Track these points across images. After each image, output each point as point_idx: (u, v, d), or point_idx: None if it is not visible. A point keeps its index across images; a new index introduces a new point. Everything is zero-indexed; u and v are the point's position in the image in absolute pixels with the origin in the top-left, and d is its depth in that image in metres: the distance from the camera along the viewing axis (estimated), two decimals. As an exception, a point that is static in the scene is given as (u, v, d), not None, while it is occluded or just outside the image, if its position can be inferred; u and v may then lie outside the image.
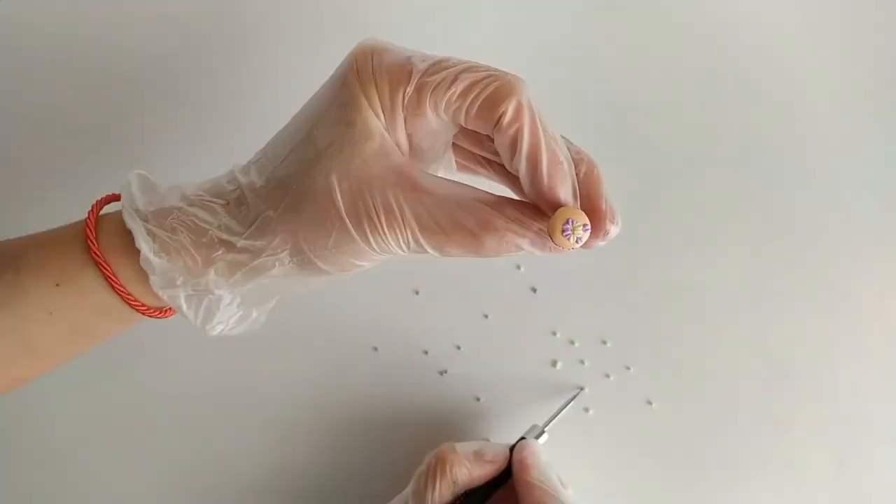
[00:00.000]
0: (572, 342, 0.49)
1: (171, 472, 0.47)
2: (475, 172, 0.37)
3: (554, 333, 0.49)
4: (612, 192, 0.33)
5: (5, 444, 0.47)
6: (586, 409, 0.49)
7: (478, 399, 0.49)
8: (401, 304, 0.48)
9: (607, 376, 0.49)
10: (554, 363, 0.49)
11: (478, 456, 0.43)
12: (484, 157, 0.37)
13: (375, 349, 0.48)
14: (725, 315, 0.50)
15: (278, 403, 0.48)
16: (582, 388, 0.48)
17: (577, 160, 0.33)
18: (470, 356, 0.49)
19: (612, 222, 0.32)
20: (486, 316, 0.49)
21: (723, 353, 0.49)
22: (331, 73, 0.34)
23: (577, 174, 0.32)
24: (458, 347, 0.49)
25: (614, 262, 0.49)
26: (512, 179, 0.35)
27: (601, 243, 0.32)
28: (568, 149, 0.33)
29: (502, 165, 0.35)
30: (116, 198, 0.37)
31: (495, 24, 0.52)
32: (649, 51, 0.52)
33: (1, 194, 0.49)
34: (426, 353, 0.49)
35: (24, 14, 0.50)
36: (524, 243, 0.32)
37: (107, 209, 0.36)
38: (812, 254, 0.50)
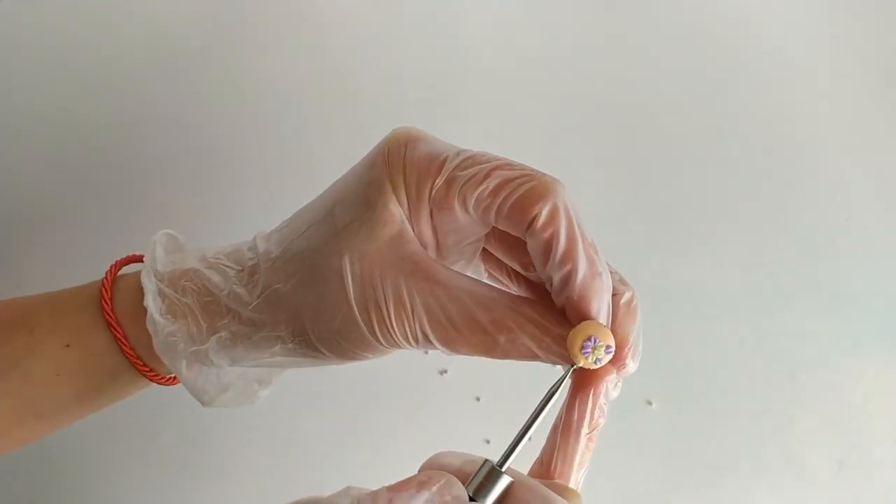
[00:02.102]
0: (572, 342, 0.49)
1: (169, 473, 0.47)
2: (503, 285, 0.35)
3: (554, 333, 0.49)
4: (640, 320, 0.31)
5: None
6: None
7: (478, 399, 0.48)
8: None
9: (607, 376, 0.49)
10: (554, 363, 0.49)
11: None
12: (513, 271, 0.35)
13: (375, 349, 0.48)
14: (725, 315, 0.49)
15: (277, 403, 0.48)
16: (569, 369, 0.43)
17: (618, 286, 0.31)
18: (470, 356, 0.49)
19: (633, 359, 0.30)
20: (486, 316, 0.49)
21: (723, 353, 0.49)
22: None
23: (615, 296, 0.30)
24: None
25: (614, 263, 0.49)
26: (541, 295, 0.33)
27: (611, 378, 0.30)
28: (612, 271, 0.31)
29: (531, 282, 0.34)
30: (138, 258, 0.36)
31: (496, 24, 0.52)
32: (650, 52, 0.52)
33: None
34: (426, 352, 0.49)
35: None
36: (541, 350, 0.30)
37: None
38: (812, 254, 0.50)
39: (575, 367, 0.29)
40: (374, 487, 0.28)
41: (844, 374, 0.49)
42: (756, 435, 0.48)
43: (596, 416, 0.31)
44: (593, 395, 0.30)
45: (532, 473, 0.31)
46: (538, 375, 0.49)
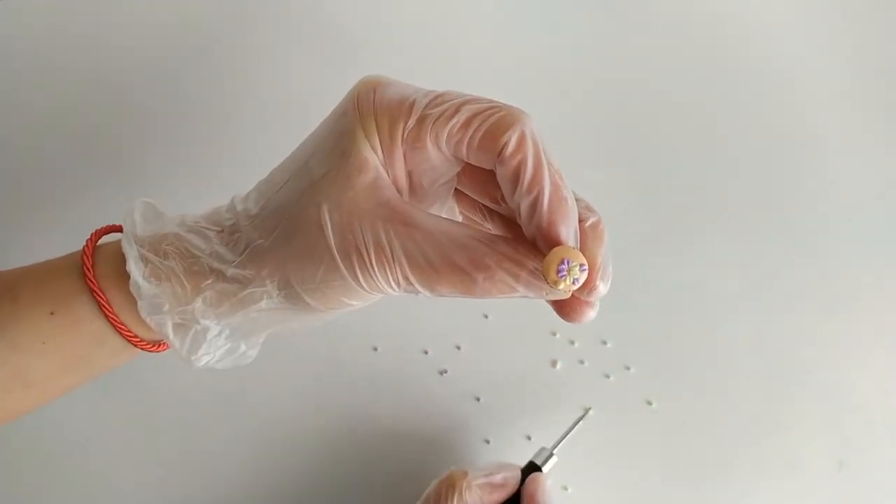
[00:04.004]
0: (572, 342, 0.49)
1: (169, 473, 0.47)
2: (477, 223, 0.36)
3: (554, 333, 0.49)
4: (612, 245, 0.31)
5: (5, 445, 0.47)
6: (586, 410, 0.49)
7: (478, 399, 0.48)
8: (401, 304, 0.48)
9: (607, 376, 0.49)
10: (554, 363, 0.49)
11: (489, 481, 0.42)
12: (486, 208, 0.35)
13: (375, 349, 0.48)
14: (725, 315, 0.50)
15: (278, 403, 0.48)
16: (589, 409, 0.48)
17: (584, 212, 0.31)
18: (470, 356, 0.49)
19: (603, 280, 0.31)
20: (486, 316, 0.49)
21: (723, 353, 0.49)
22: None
23: (581, 222, 0.31)
24: (458, 347, 0.49)
25: (614, 262, 0.49)
26: (513, 229, 0.34)
27: (588, 298, 0.31)
28: (578, 198, 0.32)
29: (503, 217, 0.34)
30: (118, 228, 0.36)
31: (495, 24, 0.52)
32: (650, 51, 0.52)
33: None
34: (426, 353, 0.49)
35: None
36: (519, 284, 0.30)
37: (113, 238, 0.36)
38: (812, 254, 0.50)
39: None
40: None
41: (844, 374, 0.49)
42: (756, 435, 0.49)
43: None
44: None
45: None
46: (539, 375, 0.49)
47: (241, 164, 0.47)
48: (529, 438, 0.48)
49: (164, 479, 0.47)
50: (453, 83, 0.52)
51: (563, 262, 0.29)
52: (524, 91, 0.52)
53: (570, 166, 0.52)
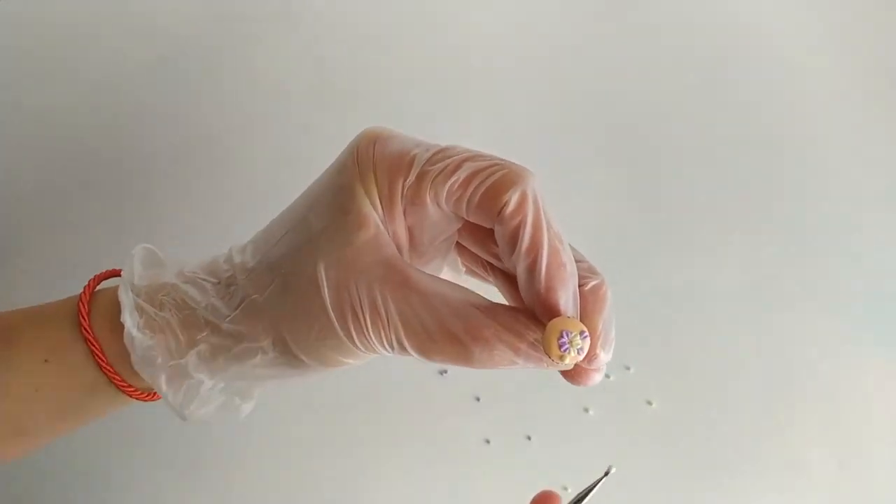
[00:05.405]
0: (572, 342, 0.49)
1: (168, 474, 0.47)
2: (480, 277, 0.35)
3: (554, 333, 0.49)
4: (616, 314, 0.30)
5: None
6: (586, 410, 0.48)
7: (478, 399, 0.48)
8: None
9: (607, 376, 0.49)
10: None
11: None
12: (488, 263, 0.34)
13: (375, 349, 0.48)
14: (725, 315, 0.50)
15: (276, 404, 0.48)
16: (611, 468, 0.43)
17: (586, 274, 0.30)
18: (470, 356, 0.49)
19: (604, 348, 0.29)
20: (486, 316, 0.49)
21: (723, 353, 0.49)
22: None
23: (582, 286, 0.30)
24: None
25: (614, 262, 0.49)
26: (514, 286, 0.32)
27: (590, 367, 0.30)
28: (579, 260, 0.31)
29: (507, 274, 0.33)
30: (117, 273, 0.35)
31: (496, 24, 0.52)
32: (650, 52, 0.52)
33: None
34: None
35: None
36: (519, 357, 0.29)
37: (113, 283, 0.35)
38: (812, 254, 0.50)
39: (608, 473, 0.30)
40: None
41: (844, 374, 0.49)
42: (756, 435, 0.48)
43: None
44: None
45: None
46: (539, 376, 0.49)
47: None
48: (529, 439, 0.48)
49: (163, 481, 0.47)
50: (453, 82, 0.52)
51: (562, 336, 0.28)
52: (524, 91, 0.52)
53: (570, 166, 0.52)
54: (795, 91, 0.52)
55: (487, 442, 0.48)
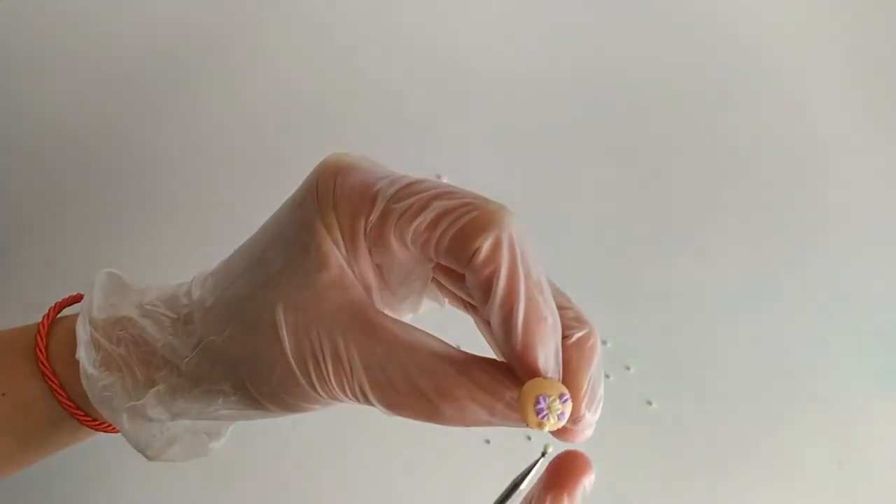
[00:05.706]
0: (572, 342, 0.49)
1: (168, 473, 0.47)
2: (464, 309, 0.32)
3: (554, 333, 0.49)
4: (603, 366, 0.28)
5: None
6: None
7: (478, 399, 0.48)
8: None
9: (607, 376, 0.49)
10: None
11: None
12: (464, 300, 0.31)
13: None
14: (725, 315, 0.49)
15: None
16: (548, 446, 0.38)
17: (572, 324, 0.27)
18: (470, 356, 0.49)
19: (590, 409, 0.27)
20: (486, 316, 0.49)
21: (723, 353, 0.49)
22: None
23: (566, 338, 0.27)
24: (458, 347, 0.49)
25: (614, 262, 0.49)
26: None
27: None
28: (565, 307, 0.28)
29: None
30: (80, 298, 0.33)
31: (496, 25, 0.52)
32: (650, 51, 0.52)
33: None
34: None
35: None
36: (494, 418, 0.26)
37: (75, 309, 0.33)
38: (812, 254, 0.50)
39: (544, 454, 0.27)
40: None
41: (844, 373, 0.49)
42: (756, 435, 0.48)
43: None
44: (568, 498, 0.28)
45: None
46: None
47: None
48: (529, 439, 0.48)
49: (163, 481, 0.47)
50: (453, 84, 0.52)
51: (539, 402, 0.25)
52: (524, 91, 0.52)
53: (570, 166, 0.52)
54: (796, 91, 0.52)
55: (487, 442, 0.48)
